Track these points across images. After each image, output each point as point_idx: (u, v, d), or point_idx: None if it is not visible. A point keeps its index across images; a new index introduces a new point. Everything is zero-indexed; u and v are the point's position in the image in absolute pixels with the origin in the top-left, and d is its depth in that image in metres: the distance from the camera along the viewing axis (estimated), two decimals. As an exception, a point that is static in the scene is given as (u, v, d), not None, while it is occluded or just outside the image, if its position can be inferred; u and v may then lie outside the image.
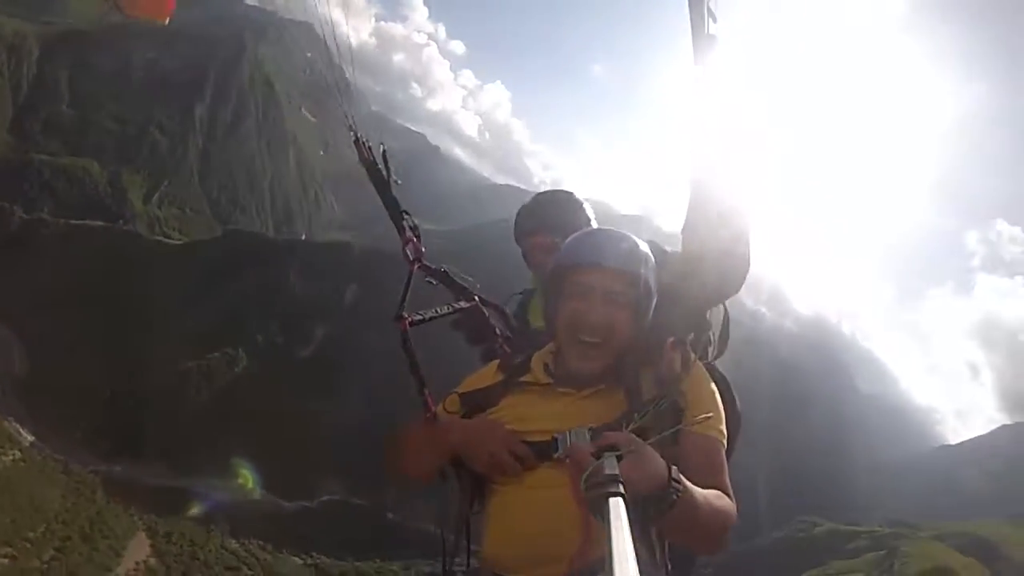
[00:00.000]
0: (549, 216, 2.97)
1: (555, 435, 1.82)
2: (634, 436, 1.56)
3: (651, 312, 2.00)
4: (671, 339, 1.94)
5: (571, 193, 3.07)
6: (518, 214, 3.07)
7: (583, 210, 3.00)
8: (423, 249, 2.61)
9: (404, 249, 2.59)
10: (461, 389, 2.18)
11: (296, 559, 73.80)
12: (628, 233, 2.06)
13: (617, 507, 1.21)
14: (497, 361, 2.25)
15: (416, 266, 2.57)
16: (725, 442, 1.88)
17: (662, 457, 1.56)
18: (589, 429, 1.73)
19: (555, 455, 1.79)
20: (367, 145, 2.70)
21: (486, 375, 2.20)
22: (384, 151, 2.62)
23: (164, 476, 76.01)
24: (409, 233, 2.63)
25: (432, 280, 2.68)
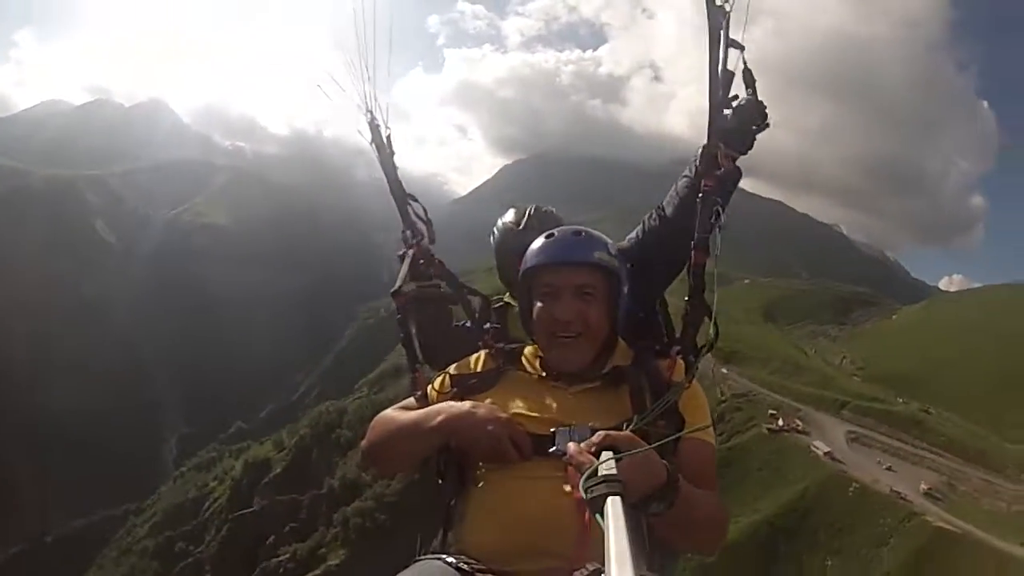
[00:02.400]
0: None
1: (556, 428, 1.75)
2: (635, 436, 1.58)
3: (623, 298, 2.03)
4: (677, 348, 2.05)
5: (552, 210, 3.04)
6: (508, 232, 2.85)
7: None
8: (424, 235, 2.62)
9: (404, 233, 2.60)
10: (452, 371, 2.15)
11: None
12: (583, 227, 2.09)
13: (616, 507, 1.22)
14: (485, 350, 2.22)
15: (412, 249, 2.56)
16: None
17: (660, 458, 1.60)
18: (591, 427, 1.67)
19: (551, 449, 1.70)
20: (376, 126, 2.66)
21: (476, 361, 2.18)
22: (389, 135, 2.63)
23: None
24: (413, 218, 2.62)
25: (423, 264, 2.63)
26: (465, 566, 1.69)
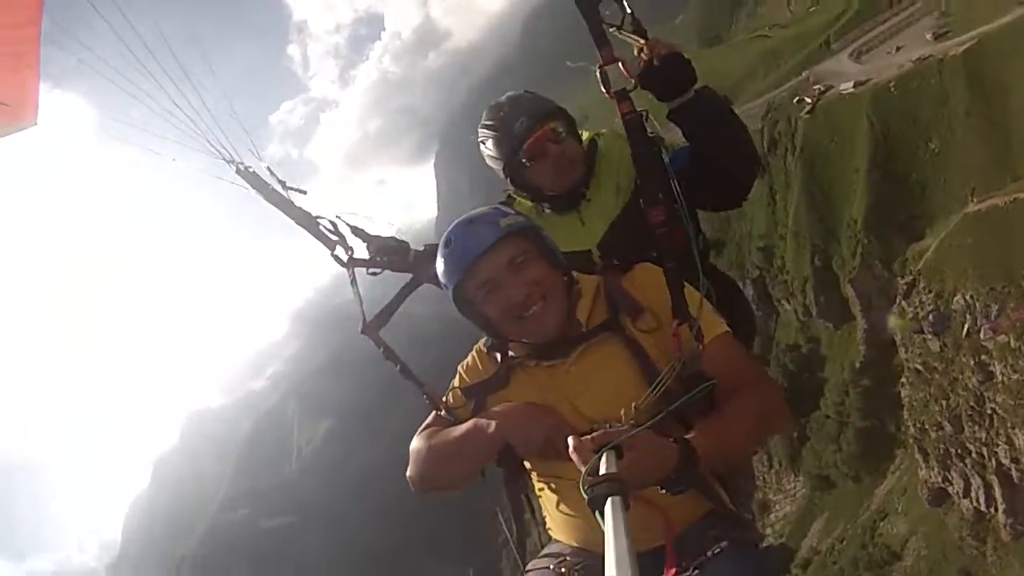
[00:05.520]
0: (540, 102, 2.56)
1: (594, 425, 1.69)
2: (632, 429, 1.50)
3: (548, 239, 1.95)
4: (676, 322, 1.84)
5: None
6: (503, 114, 2.52)
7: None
8: (352, 248, 2.40)
9: (332, 255, 2.38)
10: (460, 384, 2.09)
11: None
12: (469, 214, 1.97)
13: (615, 507, 1.20)
14: (480, 345, 2.12)
15: (352, 268, 2.36)
16: (729, 330, 1.92)
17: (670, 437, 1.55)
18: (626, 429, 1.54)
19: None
20: (250, 171, 2.35)
21: (476, 364, 2.11)
22: (267, 166, 2.33)
23: None
24: (333, 237, 2.37)
25: (375, 272, 2.47)
26: (564, 569, 1.81)
